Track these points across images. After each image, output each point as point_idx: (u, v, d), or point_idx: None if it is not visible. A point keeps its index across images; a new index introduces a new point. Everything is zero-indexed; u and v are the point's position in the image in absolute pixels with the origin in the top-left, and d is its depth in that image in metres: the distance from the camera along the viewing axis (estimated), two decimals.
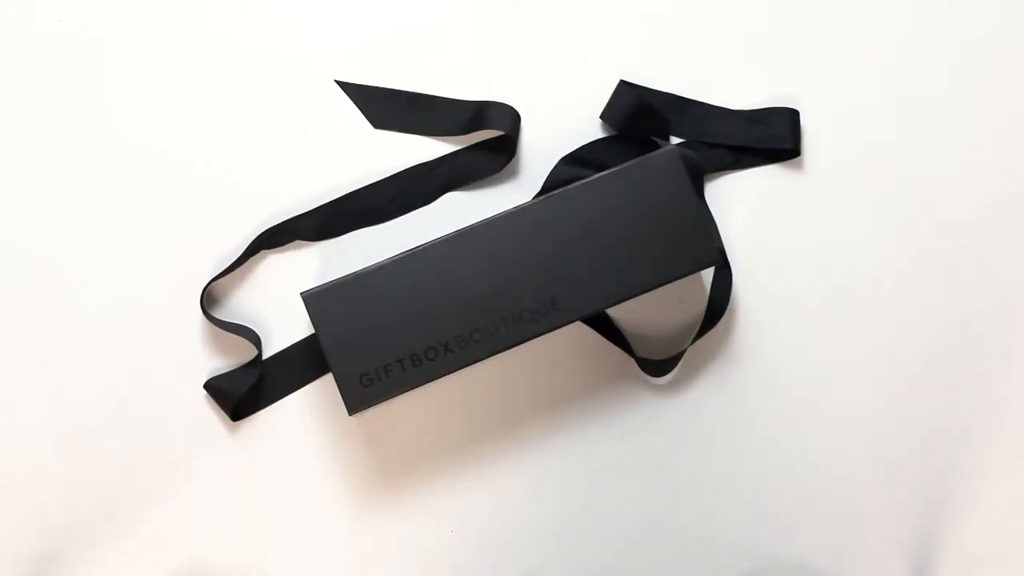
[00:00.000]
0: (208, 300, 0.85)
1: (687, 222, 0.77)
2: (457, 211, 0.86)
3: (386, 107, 0.87)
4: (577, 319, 0.77)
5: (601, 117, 0.86)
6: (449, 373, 0.76)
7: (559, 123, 0.87)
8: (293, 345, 0.85)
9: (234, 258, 0.85)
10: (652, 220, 0.77)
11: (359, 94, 0.87)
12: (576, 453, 0.86)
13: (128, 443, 0.84)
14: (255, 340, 0.84)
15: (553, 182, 0.85)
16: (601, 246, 0.77)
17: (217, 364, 0.85)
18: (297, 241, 0.86)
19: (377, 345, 0.76)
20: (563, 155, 0.85)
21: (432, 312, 0.76)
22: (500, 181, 0.87)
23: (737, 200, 0.87)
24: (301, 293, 0.76)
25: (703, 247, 0.77)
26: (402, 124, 0.87)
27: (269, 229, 0.85)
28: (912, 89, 0.88)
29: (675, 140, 0.87)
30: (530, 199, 0.83)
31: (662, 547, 0.85)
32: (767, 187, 0.87)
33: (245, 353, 0.85)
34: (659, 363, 0.84)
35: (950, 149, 0.87)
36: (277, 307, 0.85)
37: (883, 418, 0.86)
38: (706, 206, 0.86)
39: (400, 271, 0.76)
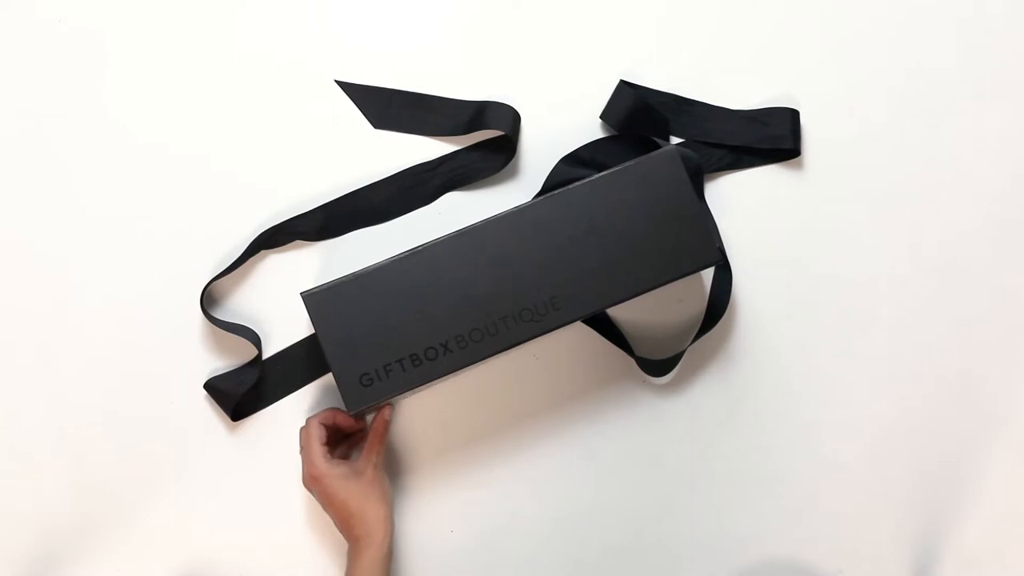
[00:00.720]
0: (208, 300, 0.85)
1: (687, 222, 0.77)
2: (457, 211, 0.86)
3: (386, 107, 0.87)
4: (577, 319, 0.77)
5: (601, 117, 0.86)
6: (449, 373, 0.76)
7: (559, 123, 0.87)
8: (293, 345, 0.85)
9: (234, 258, 0.85)
10: (652, 220, 0.77)
11: (359, 94, 0.87)
12: (576, 452, 0.85)
13: (128, 443, 0.85)
14: (255, 340, 0.84)
15: (553, 182, 0.85)
16: (601, 246, 0.77)
17: (217, 364, 0.85)
18: (297, 241, 0.86)
19: (377, 345, 0.75)
20: (563, 155, 0.85)
21: (432, 312, 0.76)
22: (500, 181, 0.87)
23: (737, 200, 0.87)
24: (301, 293, 0.76)
25: (703, 247, 0.77)
26: (402, 124, 0.87)
27: (269, 229, 0.85)
28: (912, 89, 0.88)
29: (675, 140, 0.87)
30: (530, 199, 0.83)
31: (662, 546, 0.85)
32: (767, 187, 0.87)
33: (245, 353, 0.85)
34: (659, 363, 0.84)
35: (950, 149, 0.87)
36: (277, 307, 0.85)
37: (883, 418, 0.86)
38: (706, 206, 0.86)
39: (400, 271, 0.76)
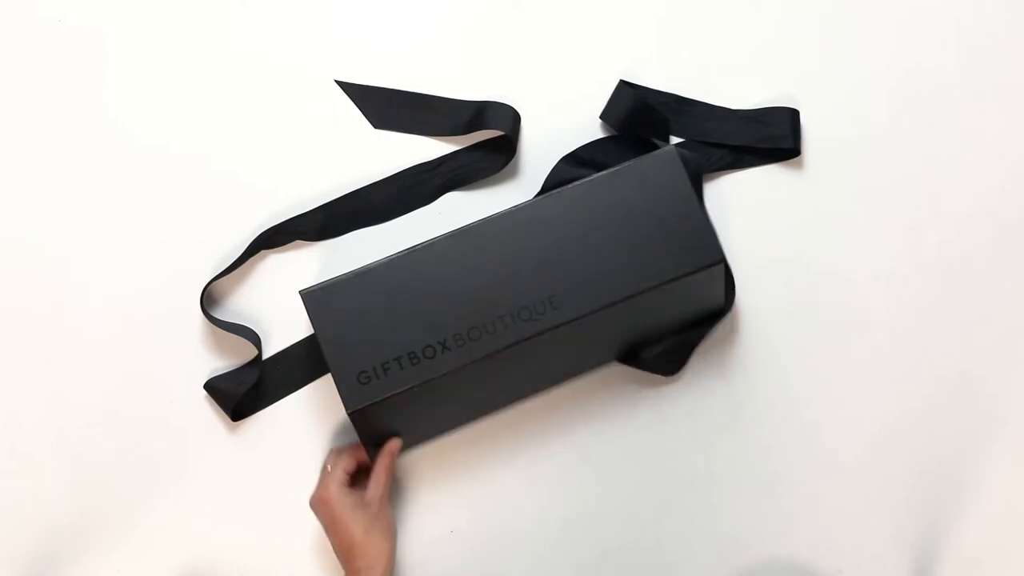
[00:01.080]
0: (208, 300, 0.85)
1: (687, 222, 0.77)
2: (457, 211, 0.86)
3: (386, 107, 0.87)
4: (575, 318, 0.76)
5: (601, 117, 0.86)
6: (447, 371, 0.75)
7: (559, 123, 0.87)
8: (293, 345, 0.85)
9: (234, 258, 0.85)
10: (652, 219, 0.77)
11: (359, 94, 0.87)
12: (576, 452, 0.85)
13: (128, 443, 0.85)
14: (255, 340, 0.84)
15: (553, 182, 0.85)
16: (600, 245, 0.77)
17: (217, 364, 0.85)
18: (297, 241, 0.86)
19: (375, 343, 0.75)
20: (563, 155, 0.85)
21: (431, 310, 0.76)
22: (500, 181, 0.87)
23: (737, 200, 0.87)
24: (300, 291, 0.76)
25: (704, 246, 0.77)
26: (402, 124, 0.87)
27: (269, 229, 0.85)
28: (912, 89, 0.88)
29: (675, 140, 0.87)
30: (530, 199, 0.83)
31: (662, 546, 0.85)
32: (767, 187, 0.87)
33: (245, 353, 0.85)
34: (668, 360, 0.84)
35: (950, 149, 0.87)
36: (277, 307, 0.85)
37: (883, 418, 0.86)
38: (704, 209, 0.85)
39: (399, 269, 0.76)
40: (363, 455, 0.81)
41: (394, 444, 0.81)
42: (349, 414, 0.76)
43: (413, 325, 0.75)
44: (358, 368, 0.75)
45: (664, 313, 0.81)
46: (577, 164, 0.85)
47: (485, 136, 0.87)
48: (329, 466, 0.79)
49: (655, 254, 0.76)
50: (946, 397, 0.86)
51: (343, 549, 0.76)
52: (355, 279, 0.76)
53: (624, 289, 0.76)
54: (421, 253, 0.76)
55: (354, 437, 0.84)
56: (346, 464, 0.79)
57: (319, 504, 0.77)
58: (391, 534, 0.78)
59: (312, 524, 0.84)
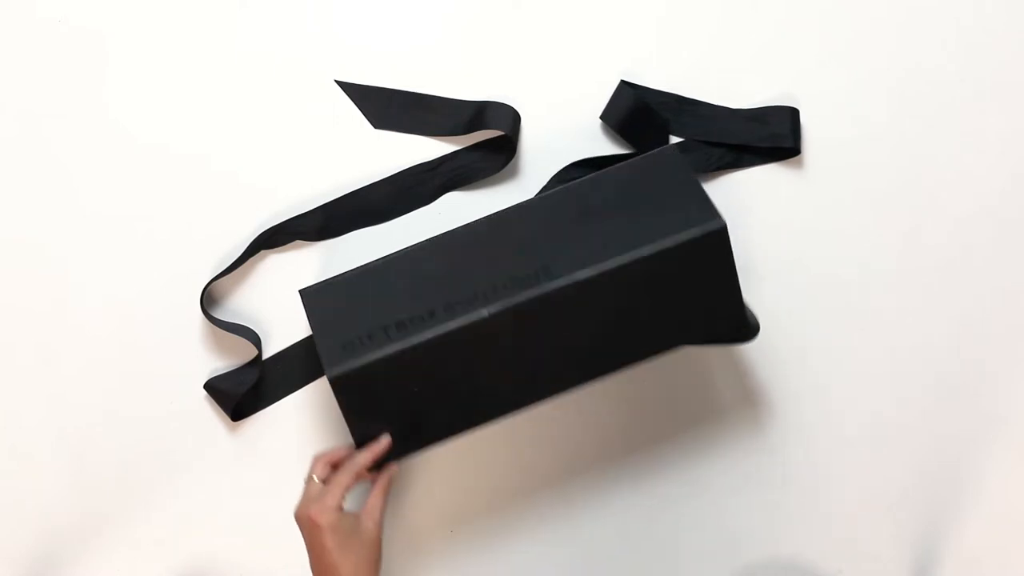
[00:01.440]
0: (208, 300, 0.85)
1: (689, 198, 0.75)
2: (457, 211, 0.86)
3: (386, 107, 0.87)
4: (569, 283, 0.72)
5: (601, 117, 0.86)
6: (436, 335, 0.72)
7: (559, 123, 0.87)
8: (293, 345, 0.85)
9: (234, 258, 0.85)
10: (654, 201, 0.75)
11: (359, 94, 0.87)
12: (574, 449, 0.85)
13: (128, 443, 0.85)
14: (255, 340, 0.84)
15: (554, 184, 0.85)
16: (599, 225, 0.73)
17: (217, 364, 0.85)
18: (297, 241, 0.86)
19: (364, 318, 0.73)
20: (569, 163, 0.85)
21: (425, 295, 0.73)
22: (500, 181, 0.87)
23: (737, 200, 0.86)
24: (300, 290, 0.76)
25: (704, 217, 0.74)
26: (402, 124, 0.87)
27: (269, 229, 0.85)
28: (912, 87, 0.88)
29: (675, 139, 0.87)
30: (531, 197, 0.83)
31: (662, 544, 0.85)
32: (767, 187, 0.87)
33: (245, 353, 0.85)
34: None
35: (950, 149, 0.87)
36: (277, 307, 0.85)
37: (883, 417, 0.86)
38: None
39: (399, 268, 0.76)
40: (362, 469, 0.73)
41: (393, 468, 0.76)
42: (330, 380, 0.71)
43: (405, 305, 0.73)
44: (343, 340, 0.72)
45: (671, 306, 0.77)
46: (580, 172, 0.85)
47: (485, 136, 0.86)
48: (316, 476, 0.73)
49: (655, 226, 0.73)
50: (946, 397, 0.86)
51: None
52: (355, 278, 0.76)
53: (621, 256, 0.73)
54: (421, 250, 0.76)
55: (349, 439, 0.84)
56: (348, 482, 0.72)
57: (311, 527, 0.70)
58: (378, 568, 0.72)
59: None
